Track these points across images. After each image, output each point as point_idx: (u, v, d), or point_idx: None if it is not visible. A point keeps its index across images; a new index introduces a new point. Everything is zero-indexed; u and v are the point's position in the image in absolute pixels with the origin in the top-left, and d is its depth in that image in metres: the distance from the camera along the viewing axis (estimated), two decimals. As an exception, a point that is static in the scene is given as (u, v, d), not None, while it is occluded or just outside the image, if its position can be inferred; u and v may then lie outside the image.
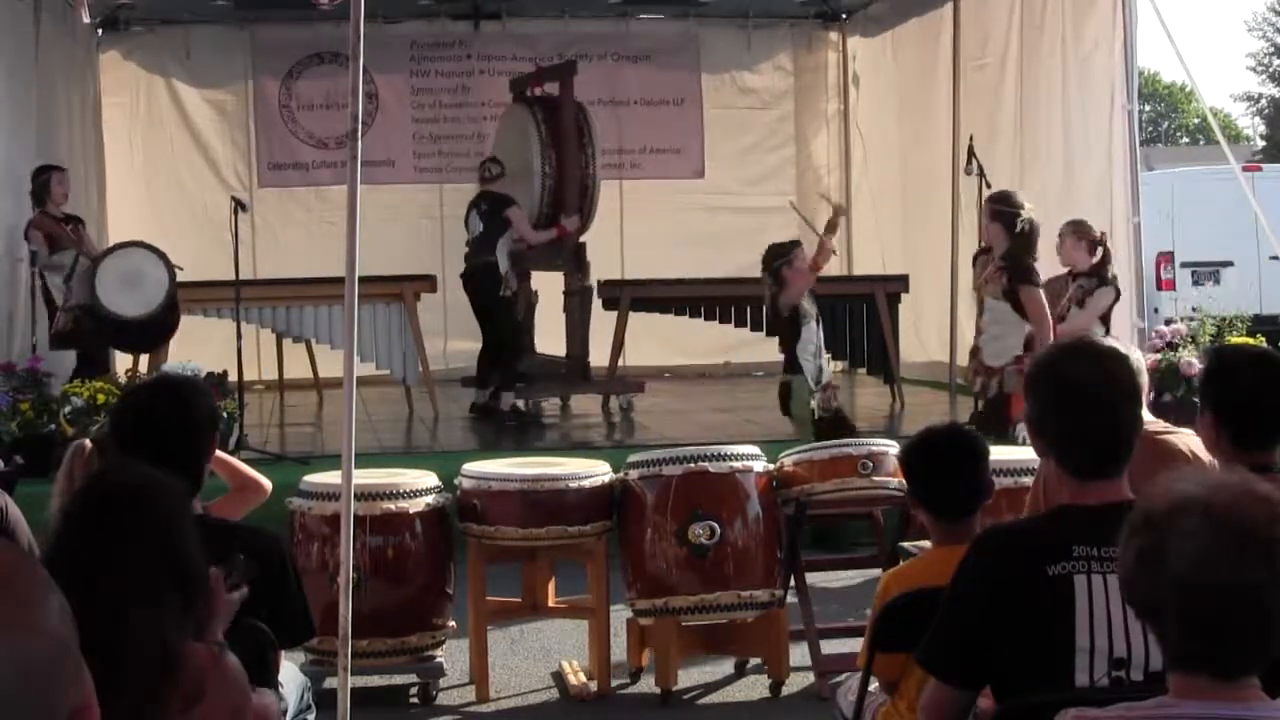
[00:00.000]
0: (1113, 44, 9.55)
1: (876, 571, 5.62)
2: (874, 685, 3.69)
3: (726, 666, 5.99)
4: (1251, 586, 1.83)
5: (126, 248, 9.36)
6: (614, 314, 11.02)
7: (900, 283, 11.37)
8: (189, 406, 3.46)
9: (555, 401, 11.11)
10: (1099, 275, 8.24)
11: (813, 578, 6.06)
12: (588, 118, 10.74)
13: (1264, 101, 41.70)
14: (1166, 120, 53.70)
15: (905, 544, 5.22)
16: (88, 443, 3.75)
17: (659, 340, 12.26)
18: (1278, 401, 3.31)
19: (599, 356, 11.19)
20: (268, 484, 4.45)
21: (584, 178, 10.49)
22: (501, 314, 10.22)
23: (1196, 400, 3.60)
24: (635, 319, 11.08)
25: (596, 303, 11.10)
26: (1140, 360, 4.05)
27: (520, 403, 10.33)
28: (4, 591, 1.22)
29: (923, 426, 4.01)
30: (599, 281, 11.20)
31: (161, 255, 9.32)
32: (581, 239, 10.60)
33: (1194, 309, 10.71)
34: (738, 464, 5.69)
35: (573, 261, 10.45)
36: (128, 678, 2.03)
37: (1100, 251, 8.30)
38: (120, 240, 9.71)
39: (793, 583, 5.85)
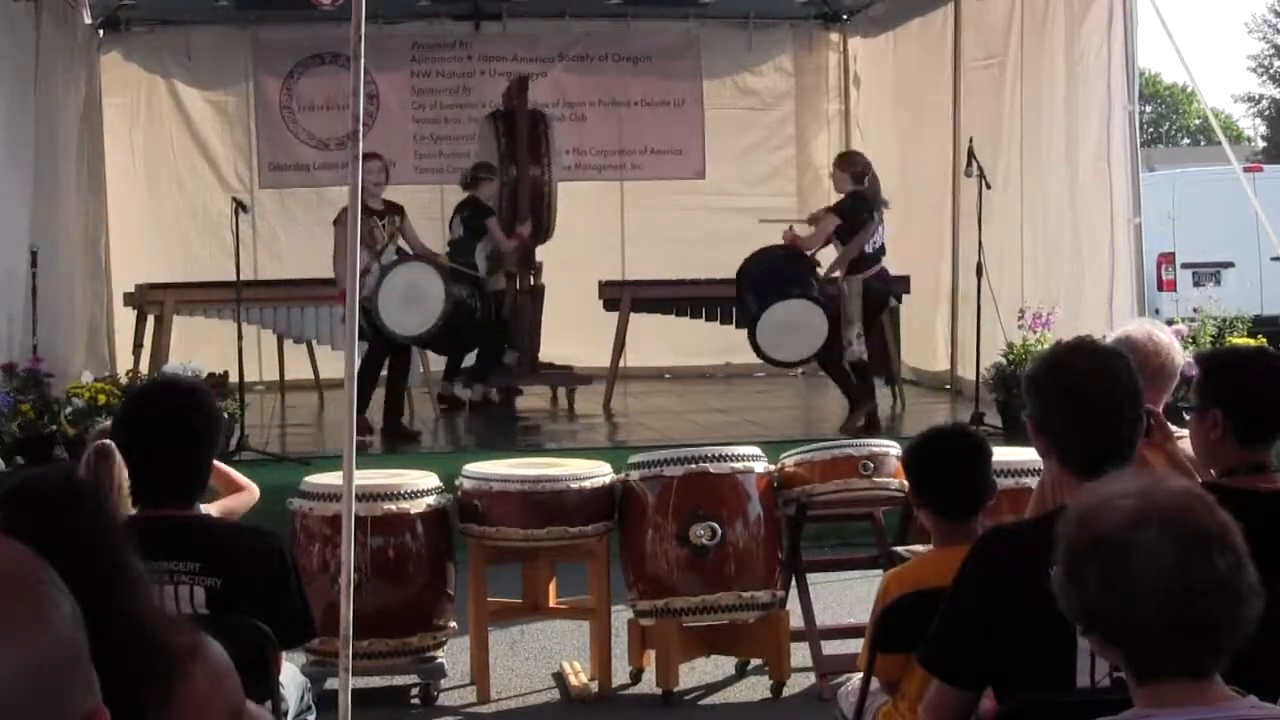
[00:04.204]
0: (1113, 45, 9.54)
1: (877, 572, 5.62)
2: (875, 686, 3.69)
3: (728, 667, 5.99)
4: (1227, 578, 1.86)
5: (406, 262, 9.27)
6: (614, 314, 11.04)
7: (900, 283, 11.36)
8: (195, 408, 3.46)
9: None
10: (839, 202, 9.21)
11: (813, 578, 6.06)
12: (548, 129, 11.07)
13: (1265, 102, 41.71)
14: (1167, 121, 53.70)
15: (899, 548, 5.22)
16: (115, 446, 3.75)
17: (659, 340, 12.26)
18: None
19: (600, 356, 11.23)
20: (256, 490, 4.49)
21: (539, 186, 10.88)
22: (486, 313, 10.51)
23: (1183, 404, 3.61)
24: (635, 319, 11.09)
25: (597, 303, 11.14)
26: (1172, 343, 4.04)
27: (491, 393, 10.72)
28: (14, 593, 1.21)
29: (924, 427, 4.01)
30: (600, 282, 11.24)
31: (440, 269, 9.35)
32: (541, 240, 10.94)
33: (1195, 310, 10.72)
34: (738, 464, 5.69)
35: (521, 263, 10.80)
36: (115, 667, 2.02)
37: (866, 179, 9.29)
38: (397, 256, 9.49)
39: (794, 583, 5.85)
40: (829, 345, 9.22)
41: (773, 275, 9.31)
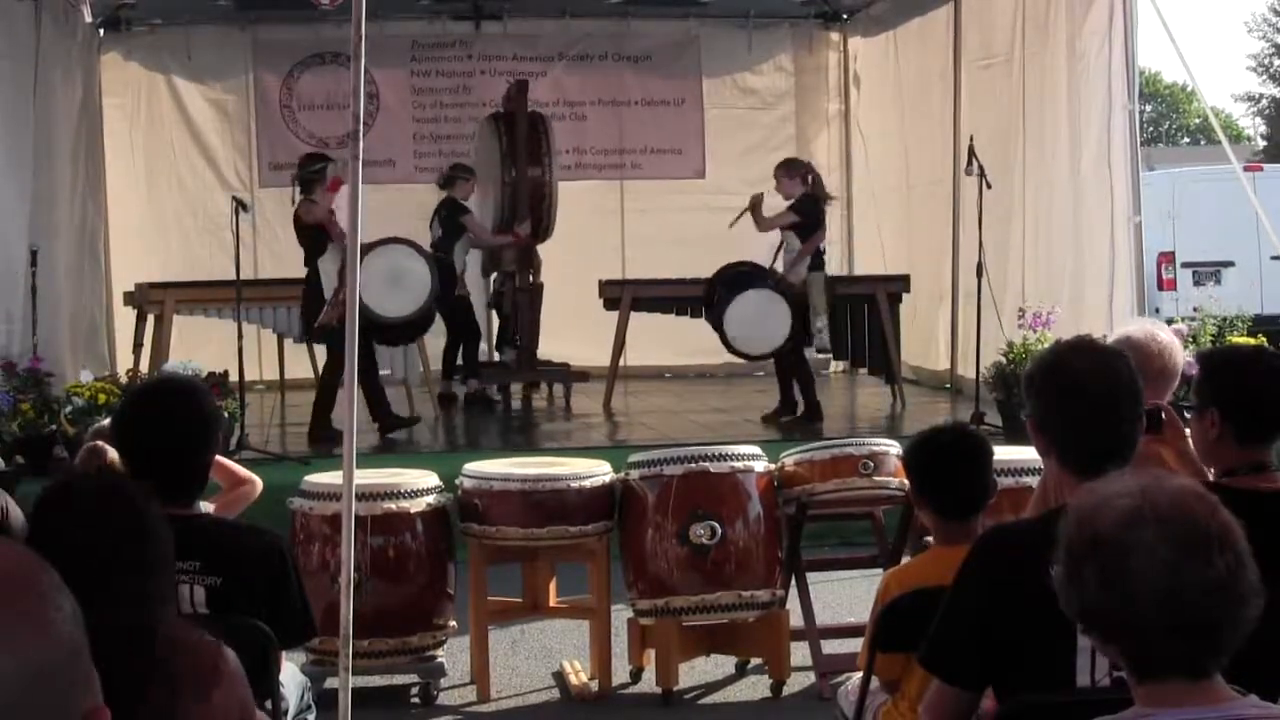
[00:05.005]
0: (1113, 44, 9.54)
1: (877, 571, 5.62)
2: (875, 685, 3.69)
3: (727, 666, 5.99)
4: (1226, 578, 1.86)
5: (386, 245, 9.32)
6: (614, 314, 11.05)
7: (901, 283, 11.38)
8: (192, 407, 3.46)
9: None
10: (797, 200, 9.68)
11: (813, 577, 6.06)
12: (548, 131, 11.26)
13: (1264, 101, 41.70)
14: (1167, 120, 53.70)
15: (928, 538, 5.20)
16: (107, 447, 3.76)
17: (659, 339, 12.27)
18: None
19: (600, 355, 11.24)
20: (259, 482, 4.49)
21: (540, 187, 11.11)
22: (459, 309, 10.75)
23: (1184, 404, 3.61)
24: (635, 319, 11.10)
25: (597, 302, 11.16)
26: (1174, 342, 4.04)
27: (492, 389, 11.10)
28: (16, 595, 1.21)
29: (924, 426, 4.01)
30: (600, 281, 11.25)
31: (419, 248, 9.50)
32: (541, 239, 11.22)
33: (1195, 309, 10.72)
34: (738, 464, 5.69)
35: (520, 261, 11.05)
36: (116, 667, 2.03)
37: (811, 180, 9.79)
38: (375, 241, 9.38)
39: (794, 582, 5.85)
40: (794, 337, 9.70)
41: (734, 279, 9.87)
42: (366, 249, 9.04)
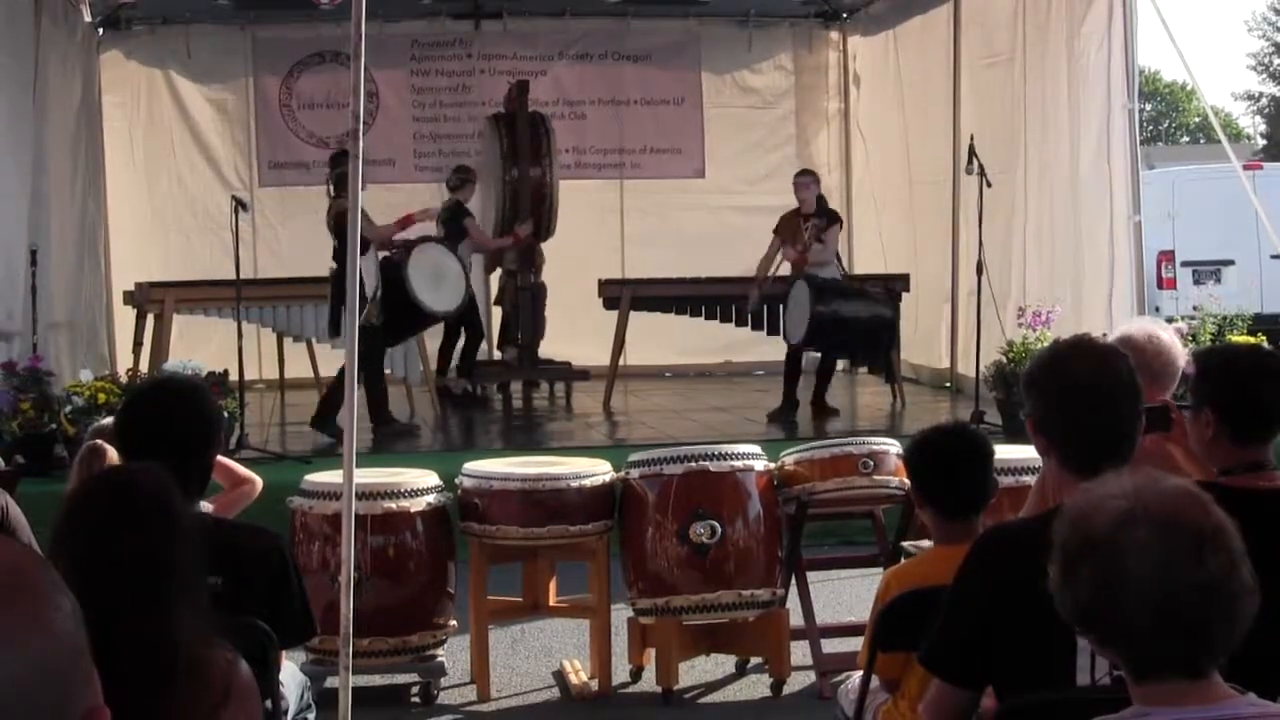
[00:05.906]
0: (1113, 43, 9.54)
1: (877, 570, 5.62)
2: (875, 684, 3.69)
3: (728, 665, 5.99)
4: (1219, 578, 1.85)
5: (423, 244, 9.77)
6: (614, 314, 11.06)
7: (901, 282, 11.38)
8: (194, 406, 3.46)
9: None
10: (827, 214, 10.18)
11: (814, 576, 6.06)
12: (548, 131, 11.39)
13: (1264, 100, 41.70)
14: (1167, 119, 53.68)
15: (905, 544, 5.22)
16: (107, 446, 3.76)
17: (659, 338, 12.27)
18: (1277, 395, 3.30)
19: (601, 355, 11.25)
20: (259, 482, 4.50)
21: (540, 187, 11.26)
22: (468, 308, 10.77)
23: (1183, 403, 3.60)
24: (635, 319, 11.10)
25: (597, 302, 11.17)
26: (1174, 342, 4.04)
27: (477, 388, 11.31)
28: (15, 594, 1.21)
29: (924, 425, 4.01)
30: (600, 281, 11.26)
31: (450, 247, 10.01)
32: (543, 239, 11.39)
33: (1195, 308, 10.70)
34: (739, 463, 5.69)
35: (521, 260, 11.22)
36: (136, 678, 2.03)
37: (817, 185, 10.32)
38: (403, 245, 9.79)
39: (794, 581, 5.85)
40: None
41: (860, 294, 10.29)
42: (408, 247, 9.57)
